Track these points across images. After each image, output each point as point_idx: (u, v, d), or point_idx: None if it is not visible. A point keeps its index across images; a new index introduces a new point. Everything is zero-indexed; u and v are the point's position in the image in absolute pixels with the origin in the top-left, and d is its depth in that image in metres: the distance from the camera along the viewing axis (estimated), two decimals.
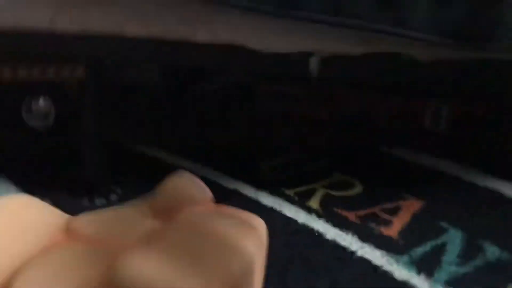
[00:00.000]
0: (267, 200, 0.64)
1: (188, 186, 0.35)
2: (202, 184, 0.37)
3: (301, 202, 0.64)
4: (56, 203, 0.34)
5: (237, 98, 1.05)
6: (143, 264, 0.26)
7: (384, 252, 0.53)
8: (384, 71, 0.70)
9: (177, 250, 0.28)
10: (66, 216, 0.34)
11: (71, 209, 0.34)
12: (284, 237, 0.55)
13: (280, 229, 0.57)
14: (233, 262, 0.29)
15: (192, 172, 0.76)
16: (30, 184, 0.66)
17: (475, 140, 0.82)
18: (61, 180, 0.67)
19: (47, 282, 0.27)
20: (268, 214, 0.60)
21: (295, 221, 0.59)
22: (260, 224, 0.37)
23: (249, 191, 0.66)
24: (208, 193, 0.37)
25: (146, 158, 0.78)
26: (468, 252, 0.54)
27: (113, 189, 0.67)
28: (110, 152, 0.81)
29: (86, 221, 0.33)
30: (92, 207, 0.63)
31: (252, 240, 0.33)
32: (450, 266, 0.52)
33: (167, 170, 0.74)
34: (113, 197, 0.65)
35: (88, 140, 0.70)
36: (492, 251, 0.55)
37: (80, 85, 0.69)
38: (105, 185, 0.67)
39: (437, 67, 0.66)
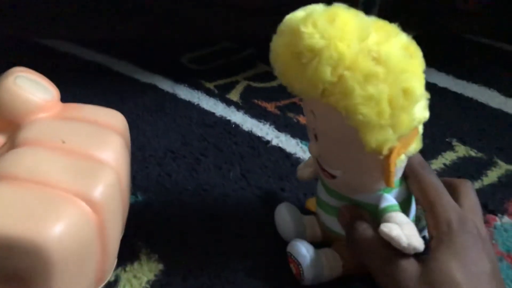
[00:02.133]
0: (185, 93, 0.62)
1: (28, 90, 0.32)
2: (45, 83, 0.34)
3: (221, 95, 0.62)
4: None
5: None
6: None
7: (298, 140, 0.53)
8: None
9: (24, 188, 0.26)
10: None
11: None
12: (200, 129, 0.54)
13: (196, 122, 0.55)
14: (90, 186, 0.28)
15: (108, 67, 0.72)
16: None
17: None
18: None
19: None
20: (185, 108, 0.58)
21: (213, 114, 0.57)
22: (118, 119, 0.35)
23: (167, 85, 0.63)
24: (53, 93, 0.34)
25: (58, 53, 0.72)
26: None
27: None
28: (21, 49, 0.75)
29: None
30: None
31: (107, 150, 0.31)
32: None
33: (82, 65, 0.70)
34: None
35: None
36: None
37: None
38: None
39: None
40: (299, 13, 0.29)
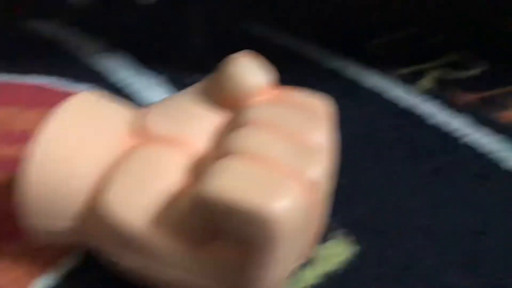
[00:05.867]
0: (371, 80, 0.61)
1: (250, 72, 0.34)
2: (265, 67, 0.36)
3: (409, 83, 0.60)
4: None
5: None
6: (227, 186, 0.26)
7: (495, 138, 0.49)
8: None
9: (252, 165, 0.28)
10: (132, 111, 0.35)
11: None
12: (388, 119, 0.53)
13: (383, 111, 0.55)
14: (309, 167, 0.29)
15: (294, 50, 0.74)
16: (146, 59, 0.68)
17: None
18: (172, 55, 0.70)
19: (137, 190, 0.29)
20: (371, 95, 0.58)
21: (401, 103, 0.56)
22: (327, 104, 0.35)
23: (352, 72, 0.64)
24: (272, 77, 0.36)
25: (249, 36, 0.77)
26: None
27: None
28: (217, 30, 0.82)
29: (155, 118, 0.33)
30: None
31: (320, 134, 0.32)
32: None
33: (269, 47, 0.74)
34: None
35: (195, 17, 0.71)
36: None
37: None
38: (212, 62, 0.69)
39: None
40: None
